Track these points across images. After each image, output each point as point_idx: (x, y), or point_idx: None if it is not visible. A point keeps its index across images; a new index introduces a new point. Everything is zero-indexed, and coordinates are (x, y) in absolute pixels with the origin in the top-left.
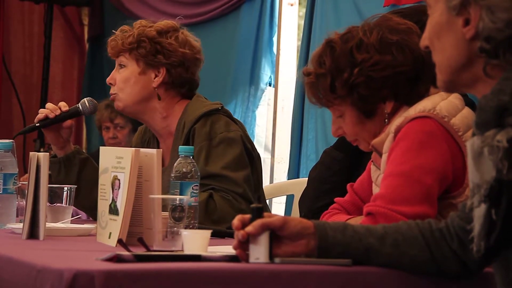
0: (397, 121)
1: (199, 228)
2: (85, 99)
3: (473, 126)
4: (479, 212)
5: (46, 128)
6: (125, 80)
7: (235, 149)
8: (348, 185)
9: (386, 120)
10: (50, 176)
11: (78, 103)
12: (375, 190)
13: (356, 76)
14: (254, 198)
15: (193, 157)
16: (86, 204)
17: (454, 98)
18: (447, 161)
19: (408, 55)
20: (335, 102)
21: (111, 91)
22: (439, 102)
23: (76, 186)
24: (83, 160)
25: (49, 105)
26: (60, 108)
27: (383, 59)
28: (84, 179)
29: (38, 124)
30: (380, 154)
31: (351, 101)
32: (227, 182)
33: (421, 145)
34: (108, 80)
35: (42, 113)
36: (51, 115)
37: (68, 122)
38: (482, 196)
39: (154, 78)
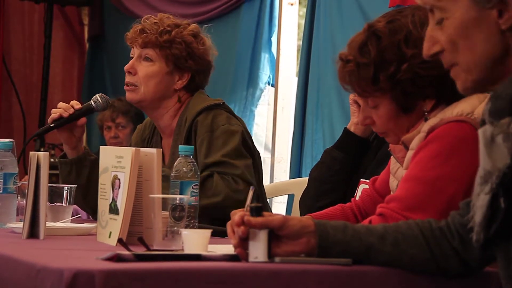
0: (432, 121)
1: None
2: (97, 95)
3: (485, 114)
4: (482, 202)
5: (59, 128)
6: (151, 76)
7: (235, 141)
8: (372, 179)
9: (426, 118)
10: (53, 175)
11: (90, 100)
12: (393, 182)
13: (403, 72)
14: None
15: (193, 157)
16: (95, 205)
17: None
18: (476, 170)
19: None
20: (374, 94)
21: (129, 80)
22: (478, 106)
23: (83, 187)
24: (93, 161)
25: (61, 104)
26: (73, 107)
27: None
28: (94, 181)
29: (53, 124)
30: (407, 149)
31: (392, 96)
32: (226, 166)
33: (451, 151)
34: (127, 67)
35: (55, 112)
36: (65, 114)
37: (82, 120)
38: (493, 183)
39: (177, 81)
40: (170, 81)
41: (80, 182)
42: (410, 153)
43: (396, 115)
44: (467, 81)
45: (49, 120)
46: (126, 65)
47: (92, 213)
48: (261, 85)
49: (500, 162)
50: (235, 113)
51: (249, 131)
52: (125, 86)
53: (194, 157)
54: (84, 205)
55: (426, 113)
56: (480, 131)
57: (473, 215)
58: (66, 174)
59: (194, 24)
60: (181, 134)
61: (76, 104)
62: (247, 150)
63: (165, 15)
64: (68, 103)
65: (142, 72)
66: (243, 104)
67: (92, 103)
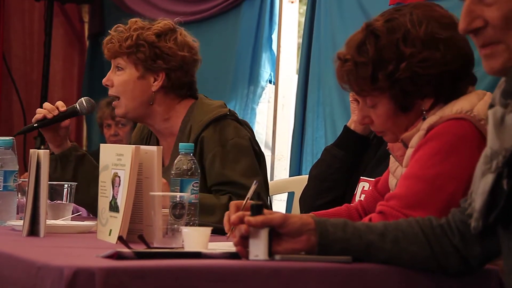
0: (431, 119)
1: (218, 229)
2: (82, 98)
3: (496, 96)
4: (483, 188)
5: (43, 128)
6: (124, 84)
7: (247, 157)
8: (374, 180)
9: (424, 117)
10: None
11: (75, 103)
12: (392, 181)
13: (402, 70)
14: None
15: (193, 154)
16: (85, 200)
17: (490, 99)
18: (475, 167)
19: (456, 54)
20: (372, 93)
21: (110, 93)
22: (477, 103)
23: (70, 182)
24: (79, 156)
25: (46, 105)
26: (57, 108)
27: (432, 56)
28: (81, 176)
29: (36, 124)
30: (407, 147)
31: (391, 95)
32: (244, 189)
33: (451, 149)
34: (104, 81)
35: (40, 113)
36: (49, 116)
37: (66, 122)
38: (499, 162)
39: (153, 82)
40: (145, 84)
41: (66, 177)
42: (409, 151)
43: (394, 114)
44: (509, 61)
45: (33, 120)
46: (103, 79)
47: (84, 206)
48: (262, 83)
49: (508, 142)
50: (238, 113)
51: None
52: (113, 103)
53: (202, 171)
54: (75, 200)
55: (424, 112)
56: (489, 112)
57: (471, 202)
58: (52, 170)
59: (165, 22)
60: (183, 141)
61: (62, 106)
62: (256, 158)
63: (133, 20)
64: (68, 101)
65: (116, 82)
66: (244, 102)
67: (77, 106)
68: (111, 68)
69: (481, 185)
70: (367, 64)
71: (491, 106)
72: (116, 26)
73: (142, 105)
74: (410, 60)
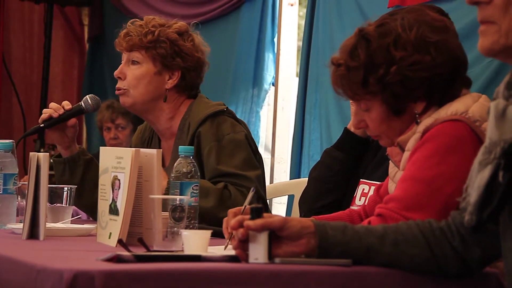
0: (427, 121)
1: (213, 214)
2: (87, 96)
3: (500, 89)
4: (479, 182)
5: (50, 129)
6: (139, 78)
7: (243, 151)
8: (376, 186)
9: (417, 121)
10: (53, 176)
11: (80, 101)
12: (392, 186)
13: (392, 74)
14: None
15: (193, 157)
16: (89, 205)
17: (485, 101)
18: None
19: (447, 57)
20: (365, 97)
21: (119, 85)
22: (471, 105)
23: (77, 186)
24: (88, 161)
25: (52, 104)
26: (63, 107)
27: (422, 59)
28: (88, 180)
29: (43, 124)
30: (403, 151)
31: (383, 98)
32: (240, 179)
33: (448, 150)
34: (116, 73)
35: (45, 113)
36: (55, 115)
37: (73, 121)
38: (497, 152)
39: (168, 80)
40: (160, 81)
41: (74, 181)
42: (406, 154)
43: (387, 117)
44: (497, 43)
45: (39, 120)
46: (115, 71)
47: (89, 212)
48: (265, 86)
49: (507, 133)
50: (238, 115)
51: (252, 133)
52: (116, 91)
53: (200, 166)
54: (79, 204)
55: (417, 116)
56: (492, 104)
57: (465, 197)
58: (60, 173)
59: (181, 22)
60: (182, 139)
61: (67, 105)
62: (255, 156)
63: (150, 17)
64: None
65: (130, 75)
66: (248, 106)
67: (82, 104)
68: (124, 61)
69: (478, 179)
70: (359, 69)
71: (494, 99)
72: (133, 20)
73: (152, 101)
74: (400, 64)
